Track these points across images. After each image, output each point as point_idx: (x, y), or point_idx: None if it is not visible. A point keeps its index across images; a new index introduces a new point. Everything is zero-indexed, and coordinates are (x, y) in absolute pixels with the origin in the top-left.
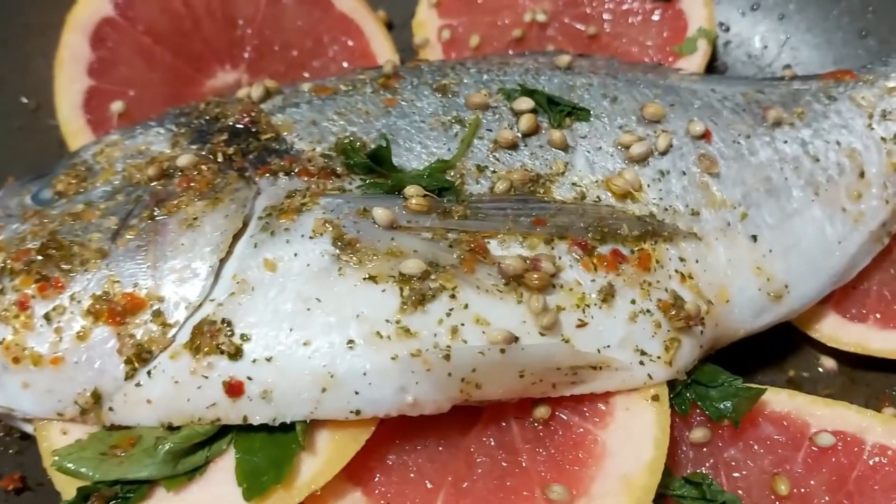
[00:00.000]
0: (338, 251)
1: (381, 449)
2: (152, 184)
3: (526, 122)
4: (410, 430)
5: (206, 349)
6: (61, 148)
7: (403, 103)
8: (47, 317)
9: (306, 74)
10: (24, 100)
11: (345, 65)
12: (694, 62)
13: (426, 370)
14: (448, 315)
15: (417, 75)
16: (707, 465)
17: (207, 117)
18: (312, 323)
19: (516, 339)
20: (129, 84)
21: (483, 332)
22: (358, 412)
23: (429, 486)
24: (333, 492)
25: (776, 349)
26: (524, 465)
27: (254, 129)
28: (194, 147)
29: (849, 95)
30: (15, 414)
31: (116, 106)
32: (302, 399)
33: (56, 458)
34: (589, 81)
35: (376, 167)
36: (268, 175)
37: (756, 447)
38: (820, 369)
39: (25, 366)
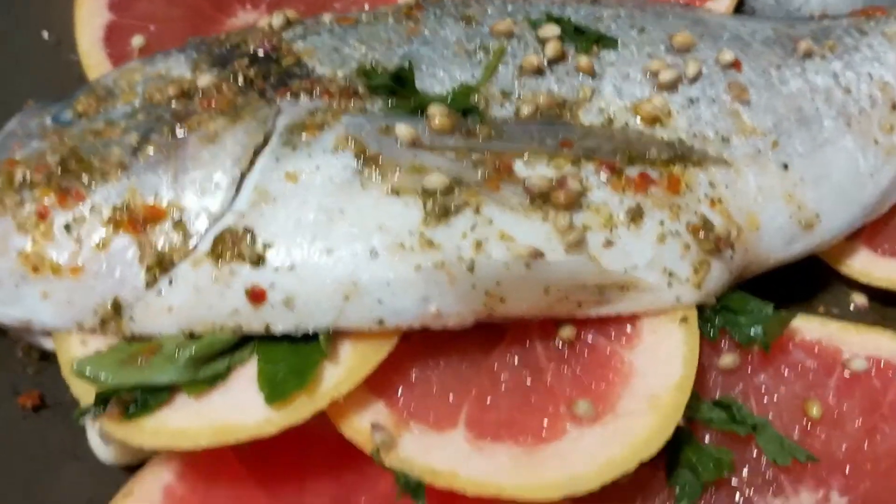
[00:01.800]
0: (360, 165)
1: (404, 364)
2: (173, 104)
3: (552, 47)
4: (433, 347)
5: (228, 257)
6: (81, 82)
7: (426, 32)
8: (67, 227)
9: None
10: (45, 34)
11: (366, 7)
12: (722, 4)
13: (450, 281)
14: (472, 230)
15: (440, 7)
16: (736, 390)
17: (228, 45)
18: (335, 232)
19: (541, 254)
20: (150, 19)
21: (507, 248)
22: (381, 322)
23: (452, 400)
24: (356, 402)
25: (806, 286)
26: (548, 382)
27: (274, 56)
28: (215, 71)
29: (881, 30)
30: (34, 326)
31: (137, 41)
32: (325, 307)
33: (75, 365)
34: (616, 13)
35: (399, 89)
36: (289, 96)
37: (787, 373)
38: (851, 306)
39: (45, 275)
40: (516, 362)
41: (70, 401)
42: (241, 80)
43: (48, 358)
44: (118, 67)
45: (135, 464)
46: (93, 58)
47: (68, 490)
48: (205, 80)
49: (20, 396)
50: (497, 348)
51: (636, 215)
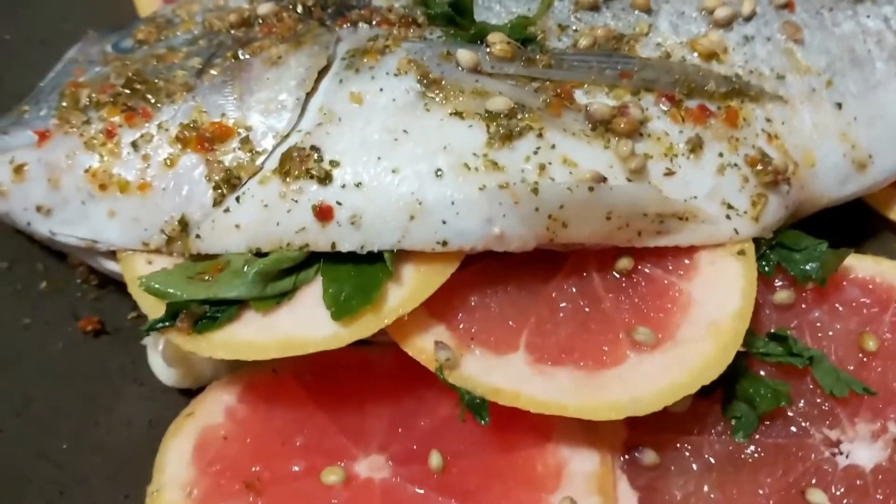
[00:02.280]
0: (423, 88)
1: (464, 291)
2: (233, 32)
3: None
4: (492, 276)
5: (295, 174)
6: (134, 20)
7: None
8: (134, 144)
9: None
10: None
11: None
12: None
13: (514, 203)
14: (535, 153)
15: None
16: (791, 326)
17: None
18: (400, 152)
19: (605, 179)
20: None
21: (570, 172)
22: (444, 243)
23: (512, 325)
24: (418, 325)
25: (855, 234)
26: (607, 310)
27: None
28: (273, 1)
29: None
30: (100, 246)
31: None
32: (390, 226)
33: (143, 279)
34: None
35: (457, 18)
36: (348, 25)
37: (841, 309)
38: None
39: (112, 193)
40: (574, 291)
41: (129, 327)
42: (299, 9)
43: (107, 285)
44: (175, 2)
45: (194, 387)
46: None
47: (129, 411)
48: (264, 8)
49: (80, 321)
50: (555, 278)
51: (696, 146)
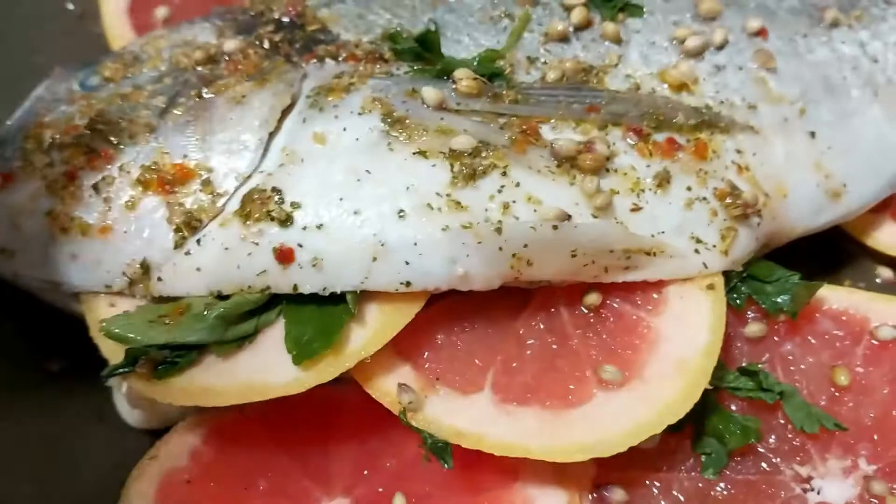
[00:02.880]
0: (387, 127)
1: (430, 328)
2: (199, 68)
3: (578, 14)
4: (458, 312)
5: (256, 216)
6: (105, 54)
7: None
8: (96, 187)
9: None
10: (70, 6)
11: None
12: None
13: (477, 242)
14: (499, 192)
15: None
16: (763, 360)
17: (252, 13)
18: (362, 193)
19: (569, 217)
20: None
21: (535, 210)
22: (408, 283)
23: (478, 363)
24: (383, 365)
25: (832, 260)
26: (575, 347)
27: (299, 22)
28: (240, 37)
29: None
30: (62, 288)
31: (161, 12)
32: (352, 268)
33: (104, 324)
34: None
35: (424, 53)
36: (314, 61)
37: (814, 342)
38: (877, 279)
39: (74, 236)
40: (542, 328)
41: (96, 366)
42: (266, 45)
43: (74, 322)
44: (144, 35)
45: (160, 428)
46: (117, 29)
47: (94, 452)
48: (231, 45)
49: (47, 361)
50: (522, 314)
51: (663, 180)
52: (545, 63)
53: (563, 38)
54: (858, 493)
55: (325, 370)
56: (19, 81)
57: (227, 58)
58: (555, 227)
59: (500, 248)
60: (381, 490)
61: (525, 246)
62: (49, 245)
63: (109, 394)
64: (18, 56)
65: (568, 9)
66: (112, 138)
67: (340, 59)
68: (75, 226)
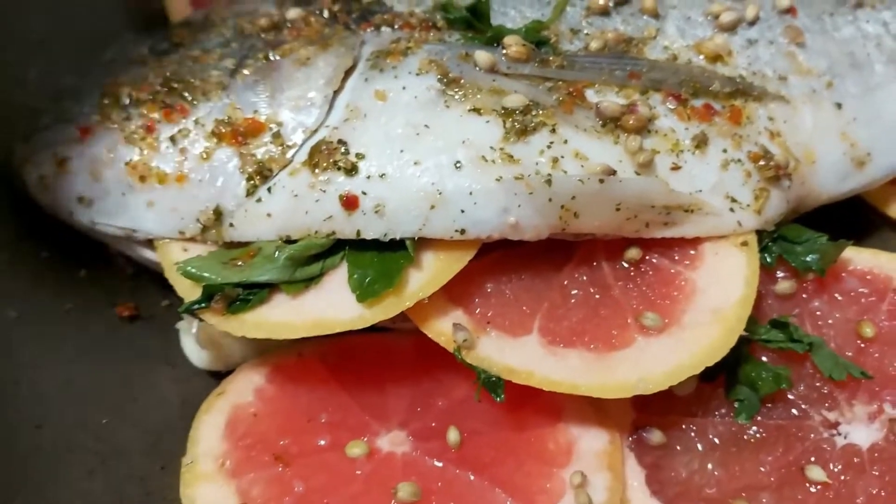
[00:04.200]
0: (443, 86)
1: (481, 277)
2: (263, 34)
3: None
4: (506, 264)
5: (323, 165)
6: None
7: None
8: (172, 139)
9: None
10: None
11: None
12: None
13: (528, 193)
14: (549, 147)
15: None
16: (792, 314)
17: None
18: (422, 145)
19: (614, 172)
20: None
21: (582, 166)
22: (463, 231)
23: (526, 310)
24: (437, 309)
25: (854, 230)
26: (616, 297)
27: None
28: (300, 7)
29: None
30: (138, 235)
31: None
32: (412, 215)
33: (181, 264)
34: None
35: (475, 22)
36: (371, 29)
37: (840, 298)
38: None
39: (151, 184)
40: (585, 279)
41: (163, 313)
42: (325, 14)
43: (142, 274)
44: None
45: (224, 370)
46: (178, 4)
47: (163, 391)
48: (293, 12)
49: (118, 307)
50: (566, 267)
51: (701, 142)
52: (587, 34)
53: (604, 12)
54: (885, 436)
55: (386, 308)
56: (86, 50)
57: (289, 25)
58: (601, 181)
59: (550, 200)
60: (434, 425)
61: (573, 198)
62: (127, 193)
63: (177, 338)
64: (82, 26)
65: None
66: (186, 94)
67: (396, 27)
68: (153, 175)
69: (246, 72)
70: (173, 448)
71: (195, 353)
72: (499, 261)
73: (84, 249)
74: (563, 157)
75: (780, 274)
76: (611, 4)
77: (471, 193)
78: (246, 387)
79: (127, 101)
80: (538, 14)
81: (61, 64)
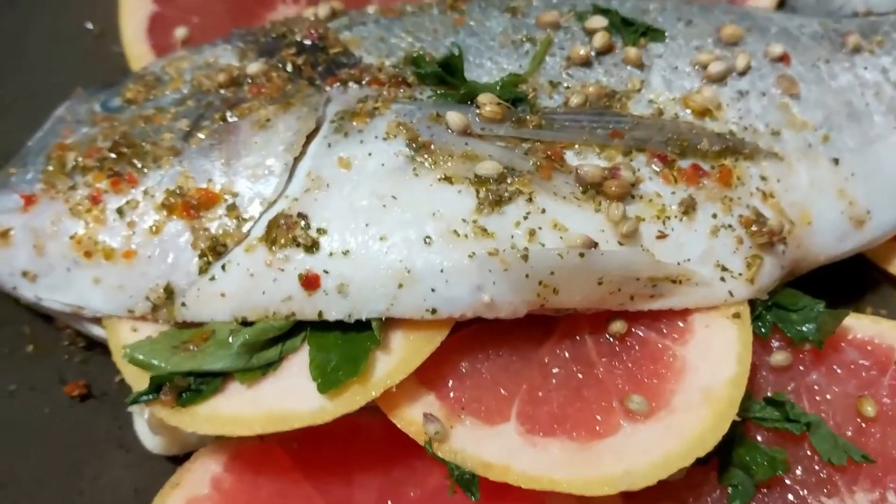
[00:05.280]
0: (412, 152)
1: (454, 357)
2: (222, 91)
3: (600, 39)
4: (483, 341)
5: (282, 242)
6: (125, 73)
7: (472, 23)
8: (120, 211)
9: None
10: (89, 25)
11: None
12: (764, 2)
13: (503, 270)
14: (525, 218)
15: None
16: (788, 389)
17: (274, 35)
18: (388, 219)
19: (595, 244)
20: (193, 11)
21: (561, 238)
22: (434, 311)
23: (503, 393)
24: (408, 394)
25: (854, 287)
26: (600, 377)
27: (321, 45)
28: (262, 59)
29: None
30: (85, 312)
31: (180, 32)
32: (378, 294)
33: (127, 349)
34: (662, 6)
35: (448, 77)
36: (338, 84)
37: (839, 371)
38: None
39: (97, 260)
40: (567, 356)
41: (116, 391)
42: (289, 67)
43: (94, 347)
44: (164, 56)
45: (181, 454)
46: (136, 48)
47: (115, 479)
48: (254, 67)
49: (67, 385)
50: (547, 342)
51: (689, 207)
52: (568, 87)
53: (586, 63)
54: None
55: (351, 399)
56: (38, 100)
57: (249, 80)
58: (581, 255)
59: (527, 276)
60: None
61: (551, 273)
62: (72, 269)
63: (130, 419)
64: (37, 74)
65: (590, 33)
66: (136, 161)
67: (364, 82)
68: (98, 250)
69: (201, 135)
70: None
71: (149, 438)
72: (474, 336)
73: (30, 322)
74: (540, 228)
75: (775, 344)
76: (592, 54)
77: (442, 271)
78: (203, 477)
79: (73, 168)
80: (516, 66)
81: (11, 114)
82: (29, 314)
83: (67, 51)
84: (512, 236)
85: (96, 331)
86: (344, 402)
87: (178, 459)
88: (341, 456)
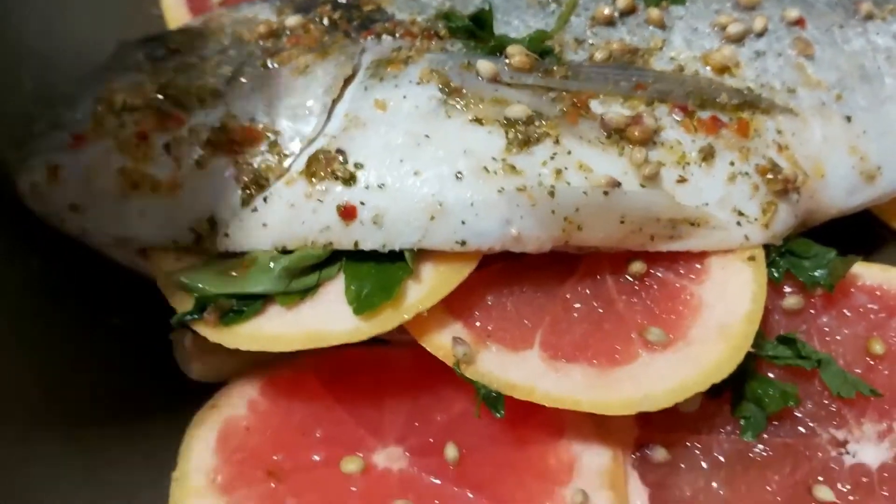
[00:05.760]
0: (444, 96)
1: (481, 291)
2: (261, 42)
3: (623, 0)
4: (508, 276)
5: (321, 175)
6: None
7: None
8: (167, 146)
9: None
10: None
11: None
12: None
13: (531, 205)
14: (552, 158)
15: None
16: (800, 331)
17: None
18: (422, 155)
19: (619, 184)
20: None
21: (586, 178)
22: (463, 243)
23: (527, 324)
24: (437, 322)
25: (863, 245)
26: (620, 312)
27: (355, 2)
28: (299, 15)
29: None
30: (131, 243)
31: None
32: (411, 226)
33: (174, 274)
34: None
35: (478, 31)
36: (372, 37)
37: (849, 314)
38: None
39: (143, 192)
40: (588, 293)
41: (156, 321)
42: (325, 22)
43: (136, 281)
44: (204, 14)
45: (218, 381)
46: (175, 11)
47: (156, 402)
48: (293, 20)
49: (109, 316)
50: (569, 280)
51: (708, 155)
52: (592, 45)
53: (609, 22)
54: (894, 455)
55: (384, 321)
56: (83, 59)
57: (288, 32)
58: (605, 193)
59: (553, 212)
60: (432, 440)
61: (576, 210)
62: (120, 201)
63: (170, 348)
64: (80, 35)
65: None
66: (181, 102)
67: (397, 35)
68: (146, 183)
69: (243, 80)
70: (163, 462)
71: (188, 364)
72: (500, 272)
73: (73, 257)
74: (566, 168)
75: (787, 289)
76: (616, 15)
77: (472, 205)
78: (239, 400)
79: (121, 109)
80: (542, 24)
81: (57, 71)
82: (76, 249)
83: (108, 14)
84: (539, 174)
85: (141, 262)
86: (378, 323)
87: (214, 387)
88: (371, 384)
